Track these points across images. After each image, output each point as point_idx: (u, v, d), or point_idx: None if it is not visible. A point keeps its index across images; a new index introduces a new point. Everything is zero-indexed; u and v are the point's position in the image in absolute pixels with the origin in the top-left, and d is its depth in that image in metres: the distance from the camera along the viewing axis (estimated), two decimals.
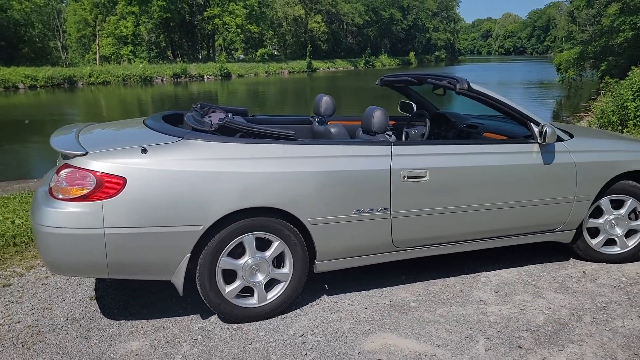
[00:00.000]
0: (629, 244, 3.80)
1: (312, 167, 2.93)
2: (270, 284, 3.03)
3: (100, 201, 2.60)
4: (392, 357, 2.67)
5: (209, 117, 3.70)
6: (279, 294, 3.03)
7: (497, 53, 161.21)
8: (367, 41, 73.44)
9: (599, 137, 4.12)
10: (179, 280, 2.81)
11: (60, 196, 2.63)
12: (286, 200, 2.87)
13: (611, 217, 3.74)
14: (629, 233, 3.81)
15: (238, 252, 2.91)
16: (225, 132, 3.06)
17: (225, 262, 2.87)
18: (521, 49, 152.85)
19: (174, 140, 2.83)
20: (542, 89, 31.14)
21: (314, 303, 3.24)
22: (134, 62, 43.22)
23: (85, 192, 2.61)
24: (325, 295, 3.34)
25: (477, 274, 3.67)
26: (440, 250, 3.39)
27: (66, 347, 2.79)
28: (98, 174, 2.61)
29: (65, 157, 2.75)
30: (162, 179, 2.68)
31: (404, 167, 3.12)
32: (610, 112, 10.56)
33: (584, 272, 3.69)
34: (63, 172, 2.67)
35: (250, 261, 2.92)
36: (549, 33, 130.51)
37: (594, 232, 3.80)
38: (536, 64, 68.84)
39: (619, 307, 3.19)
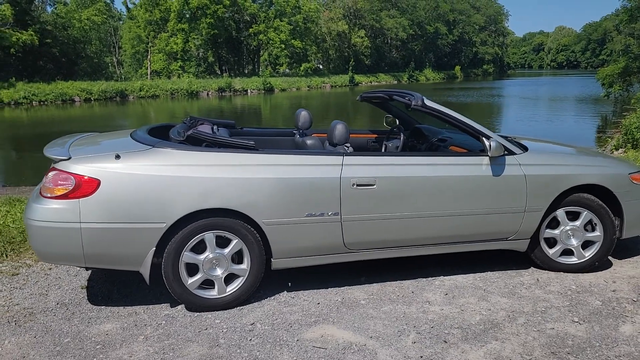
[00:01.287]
0: (586, 255, 3.95)
1: (267, 174, 3.30)
2: (230, 278, 3.40)
3: (77, 199, 3.06)
4: (325, 345, 2.98)
5: (196, 129, 4.14)
6: (237, 287, 3.39)
7: (549, 67, 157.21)
8: (411, 55, 73.46)
9: (555, 151, 4.29)
10: (145, 271, 3.22)
11: (47, 195, 3.10)
12: (242, 203, 3.24)
13: (567, 228, 3.91)
14: (586, 244, 3.97)
15: (200, 248, 3.30)
16: (193, 142, 3.46)
17: (188, 256, 3.26)
18: (575, 63, 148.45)
19: (145, 148, 3.26)
20: (593, 104, 30.27)
21: (273, 297, 3.58)
22: (183, 76, 44.99)
23: (66, 191, 3.06)
24: (285, 292, 3.67)
25: (434, 278, 3.91)
26: (392, 253, 3.66)
27: (51, 326, 3.24)
28: (77, 176, 3.07)
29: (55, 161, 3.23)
30: (131, 181, 3.11)
31: (354, 175, 3.43)
32: (635, 128, 10.43)
33: (537, 279, 3.87)
34: (50, 174, 3.15)
35: (210, 256, 3.30)
36: (604, 46, 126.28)
37: (553, 242, 3.97)
38: (590, 79, 66.89)
39: (557, 311, 3.37)
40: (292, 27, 50.39)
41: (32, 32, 37.18)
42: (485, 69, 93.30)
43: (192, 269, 3.32)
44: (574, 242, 3.93)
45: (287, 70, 57.73)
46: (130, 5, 53.49)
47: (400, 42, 71.04)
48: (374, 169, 3.49)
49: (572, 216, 3.92)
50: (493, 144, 3.61)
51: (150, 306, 3.48)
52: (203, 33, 47.16)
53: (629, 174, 3.98)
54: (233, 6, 48.66)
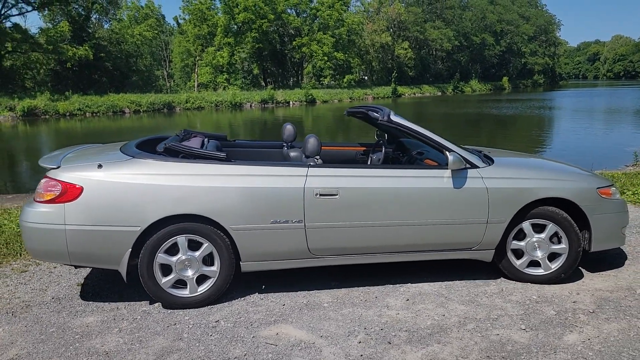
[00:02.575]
0: (552, 267, 4.03)
1: (235, 183, 3.59)
2: (202, 279, 3.70)
3: (63, 204, 3.44)
4: (277, 342, 3.23)
5: (188, 141, 4.50)
6: (208, 288, 3.69)
7: (605, 78, 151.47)
8: (457, 66, 72.70)
9: (522, 165, 4.38)
10: (123, 270, 3.57)
11: (38, 199, 3.51)
12: (211, 210, 3.54)
13: (533, 240, 4.01)
14: (553, 256, 4.05)
15: (174, 250, 3.62)
16: (171, 154, 3.81)
17: (162, 257, 3.58)
18: (633, 73, 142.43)
19: (126, 158, 3.62)
20: None
21: (243, 298, 3.86)
22: (228, 89, 46.31)
23: (53, 196, 3.46)
24: (257, 293, 3.94)
25: (401, 284, 4.08)
26: (356, 260, 3.88)
27: (42, 317, 3.63)
28: (63, 183, 3.46)
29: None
30: (110, 188, 3.47)
31: (317, 186, 3.68)
32: None
33: (502, 289, 3.98)
34: (42, 181, 3.55)
35: (182, 258, 3.61)
36: None
37: (520, 254, 4.08)
38: None
39: (509, 319, 3.49)
40: (335, 39, 50.99)
41: (87, 47, 39.33)
42: (535, 80, 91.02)
43: (166, 270, 3.64)
44: (540, 254, 4.02)
45: (331, 82, 58.36)
46: (180, 21, 55.68)
47: (446, 53, 70.48)
48: (336, 180, 3.73)
49: (539, 228, 4.01)
50: (451, 157, 3.78)
51: (132, 302, 3.82)
52: (248, 47, 48.43)
53: (597, 188, 4.05)
54: (278, 20, 49.77)
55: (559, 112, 32.82)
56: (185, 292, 3.68)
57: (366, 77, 63.14)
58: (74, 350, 3.17)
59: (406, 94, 58.33)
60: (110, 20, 50.42)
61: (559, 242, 4.01)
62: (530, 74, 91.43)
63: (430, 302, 3.77)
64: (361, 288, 4.03)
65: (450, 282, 4.13)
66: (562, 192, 3.94)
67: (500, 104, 41.35)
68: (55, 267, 4.60)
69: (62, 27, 39.79)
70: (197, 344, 3.21)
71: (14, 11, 42.34)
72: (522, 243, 4.03)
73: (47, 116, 33.96)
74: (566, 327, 3.38)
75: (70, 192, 3.45)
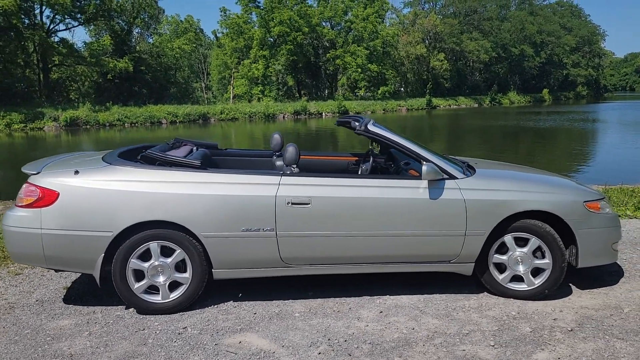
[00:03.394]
0: (536, 282, 3.88)
1: (207, 191, 3.62)
2: (174, 285, 3.74)
3: (40, 208, 3.55)
4: (238, 350, 3.22)
5: (177, 150, 4.58)
6: (180, 294, 3.72)
7: None
8: (494, 78, 71.49)
9: (504, 177, 4.24)
10: (96, 274, 3.64)
11: (19, 204, 3.63)
12: (182, 216, 3.58)
13: (515, 254, 3.87)
14: (537, 271, 3.90)
15: (147, 256, 3.67)
16: (148, 161, 3.87)
17: (134, 263, 3.64)
18: None
19: (103, 165, 3.71)
20: None
21: (216, 305, 3.87)
22: (263, 100, 46.94)
23: (31, 201, 3.57)
24: (231, 301, 3.95)
25: (379, 296, 4.01)
26: (330, 269, 3.83)
27: (22, 319, 3.74)
28: (40, 188, 3.57)
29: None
30: (85, 194, 3.56)
31: (289, 194, 3.67)
32: None
33: (483, 304, 3.86)
34: (23, 186, 3.68)
35: (155, 264, 3.66)
36: None
37: (503, 268, 3.95)
38: None
39: (480, 335, 3.38)
40: (368, 51, 51.02)
41: (127, 60, 40.62)
42: (578, 92, 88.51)
43: (139, 275, 3.69)
44: (522, 269, 3.88)
45: (366, 93, 58.31)
46: (219, 34, 56.94)
47: (483, 65, 69.46)
48: (309, 189, 3.71)
49: (522, 242, 3.88)
50: (425, 167, 3.70)
51: (109, 307, 3.88)
52: (282, 59, 49.02)
53: (584, 201, 3.89)
54: (312, 33, 50.23)
55: (602, 125, 31.62)
56: (157, 298, 3.71)
57: (402, 89, 62.85)
58: (41, 352, 3.25)
59: (441, 106, 57.69)
60: (151, 35, 52.04)
61: (543, 256, 3.87)
62: (573, 86, 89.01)
63: (404, 315, 3.69)
64: (337, 299, 3.98)
65: (429, 296, 4.03)
66: (545, 205, 3.80)
67: (539, 116, 40.28)
68: (47, 271, 4.73)
69: (104, 40, 41.28)
70: (159, 350, 3.24)
71: (62, 26, 43.95)
72: (504, 257, 3.90)
73: (88, 126, 35.20)
74: (538, 345, 3.24)
75: (47, 197, 3.56)
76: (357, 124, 4.08)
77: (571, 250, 3.93)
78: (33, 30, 39.11)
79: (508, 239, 3.86)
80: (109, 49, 41.90)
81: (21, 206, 3.61)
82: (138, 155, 4.18)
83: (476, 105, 63.02)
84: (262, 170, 3.88)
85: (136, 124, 36.77)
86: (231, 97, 50.69)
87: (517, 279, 3.93)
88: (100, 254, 3.58)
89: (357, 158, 5.25)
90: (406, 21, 64.41)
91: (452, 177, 3.84)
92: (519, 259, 3.88)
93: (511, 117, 40.14)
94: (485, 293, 4.06)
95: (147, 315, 3.71)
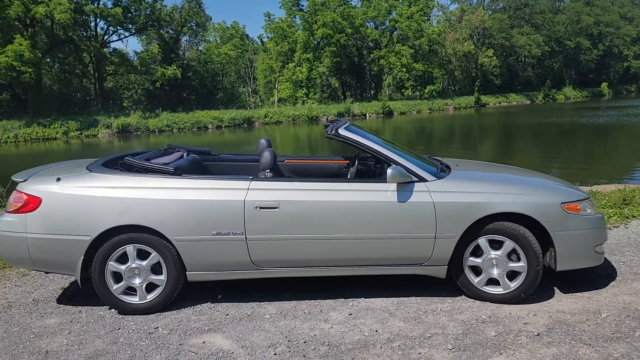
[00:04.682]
0: (512, 285, 3.79)
1: (178, 196, 3.76)
2: (151, 287, 3.89)
3: (25, 214, 3.79)
4: (199, 350, 3.33)
5: (168, 156, 4.76)
6: (156, 296, 3.87)
7: None
8: (548, 73, 68.91)
9: (477, 178, 4.14)
10: (77, 276, 3.84)
11: (8, 210, 3.89)
12: (154, 221, 3.73)
13: (490, 256, 3.79)
14: (514, 274, 3.80)
15: (124, 259, 3.84)
16: (126, 168, 4.05)
17: (112, 265, 3.81)
18: None
19: (84, 173, 3.92)
20: None
21: (192, 307, 3.99)
22: (307, 103, 47.29)
23: (18, 207, 3.82)
24: (209, 302, 4.07)
25: (353, 299, 4.02)
26: (301, 272, 3.88)
27: (15, 317, 4.00)
28: (26, 195, 3.81)
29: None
30: (66, 199, 3.77)
31: (257, 199, 3.75)
32: None
33: (456, 307, 3.80)
34: (13, 193, 3.93)
35: (132, 267, 3.82)
36: None
37: (479, 271, 3.87)
38: None
39: (442, 338, 3.33)
40: (413, 50, 50.41)
41: (175, 67, 41.96)
42: None
43: (118, 277, 3.86)
44: (496, 272, 3.80)
45: (414, 93, 57.59)
46: (264, 39, 57.89)
47: (536, 60, 67.09)
48: (277, 193, 3.77)
49: (498, 245, 3.80)
50: (390, 171, 3.69)
51: (95, 307, 4.08)
52: (326, 61, 49.22)
53: (562, 203, 3.75)
54: (356, 34, 50.16)
55: None
56: (135, 299, 3.88)
57: (452, 87, 61.67)
58: (22, 349, 3.47)
59: (490, 104, 56.13)
60: (199, 42, 53.54)
61: (518, 259, 3.76)
62: (635, 79, 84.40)
63: (372, 318, 3.68)
64: (312, 301, 4.02)
65: (404, 298, 4.00)
66: (518, 207, 3.70)
67: (597, 112, 38.43)
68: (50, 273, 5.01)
69: (153, 49, 42.83)
70: (126, 348, 3.39)
71: (114, 37, 46.00)
72: (479, 260, 3.83)
73: (138, 132, 36.60)
74: (498, 349, 3.17)
75: (31, 203, 3.79)
76: (328, 128, 4.11)
77: (550, 253, 3.81)
78: (88, 42, 41.12)
79: (482, 241, 3.79)
80: (158, 58, 43.41)
81: (10, 212, 3.86)
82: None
83: (528, 102, 60.91)
84: (233, 176, 3.98)
85: (183, 130, 37.88)
86: (275, 100, 51.35)
87: (493, 282, 3.85)
88: (80, 256, 3.78)
89: (348, 161, 5.27)
90: (453, 18, 63.17)
91: (421, 179, 3.81)
92: (494, 262, 3.80)
93: (568, 114, 38.51)
94: (463, 296, 3.99)
95: (127, 316, 3.88)
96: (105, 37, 44.93)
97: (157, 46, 42.56)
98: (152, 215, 3.73)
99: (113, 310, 3.99)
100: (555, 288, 4.06)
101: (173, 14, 47.39)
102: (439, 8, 64.70)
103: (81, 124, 35.59)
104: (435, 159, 4.72)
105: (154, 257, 3.82)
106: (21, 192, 3.85)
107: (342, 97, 53.25)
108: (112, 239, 3.77)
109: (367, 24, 52.83)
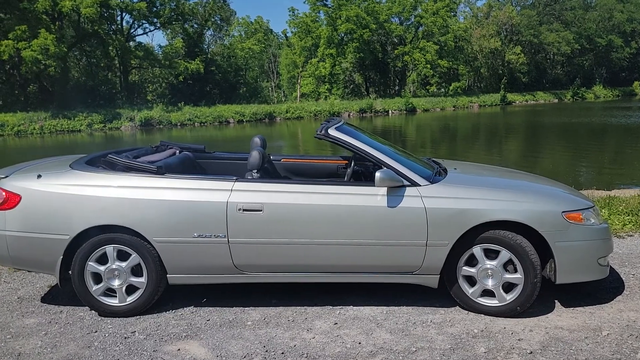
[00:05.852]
0: (507, 298, 3.56)
1: (159, 196, 3.63)
2: (132, 289, 3.77)
3: (4, 211, 3.70)
4: (172, 358, 3.19)
5: (160, 153, 4.65)
6: (136, 298, 3.75)
7: None
8: (578, 71, 67.22)
9: (474, 183, 3.91)
10: (56, 275, 3.74)
11: None
12: (133, 221, 3.60)
13: (485, 266, 3.57)
14: (510, 286, 3.57)
15: (104, 259, 3.72)
16: (109, 165, 3.93)
17: (91, 266, 3.70)
18: None
19: (65, 170, 3.81)
20: None
21: (174, 311, 3.86)
22: (329, 98, 47.07)
23: None
24: (192, 306, 3.93)
25: (341, 307, 3.84)
26: (285, 278, 3.72)
27: None
28: (5, 191, 3.72)
29: None
30: (45, 197, 3.67)
31: (241, 200, 3.59)
32: None
33: (448, 320, 3.59)
34: None
35: (111, 268, 3.71)
36: None
37: (474, 282, 3.65)
38: None
39: (428, 354, 3.14)
40: (438, 47, 49.68)
41: (198, 62, 42.17)
42: None
43: (98, 278, 3.75)
44: (491, 283, 3.57)
45: (439, 89, 56.81)
46: (288, 34, 57.78)
47: (565, 58, 65.50)
48: (261, 195, 3.61)
49: (494, 254, 3.57)
50: (378, 174, 3.49)
51: (77, 308, 3.97)
52: (348, 57, 48.88)
53: (563, 211, 3.50)
54: (380, 29, 49.66)
55: None
56: (115, 301, 3.76)
57: (478, 85, 60.61)
58: None
59: (517, 102, 55.07)
60: (223, 36, 53.72)
61: (515, 270, 3.53)
62: None
63: (357, 328, 3.50)
64: (298, 308, 3.85)
65: (395, 308, 3.80)
66: (515, 215, 3.46)
67: (629, 112, 37.24)
68: None
69: (177, 43, 43.11)
70: (99, 353, 3.28)
71: (140, 31, 46.48)
72: (474, 270, 3.61)
73: (161, 126, 36.91)
74: None
75: (11, 200, 3.70)
76: (319, 128, 3.92)
77: (550, 265, 3.57)
78: (114, 36, 41.60)
79: (477, 250, 3.57)
80: (182, 52, 43.69)
81: None
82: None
83: (556, 100, 59.56)
84: (217, 176, 3.82)
85: (205, 124, 38.08)
86: (298, 95, 51.24)
87: (488, 293, 3.62)
88: (59, 256, 3.68)
89: (347, 162, 5.07)
90: (480, 14, 62.05)
91: (413, 183, 3.59)
92: (489, 272, 3.57)
93: (598, 113, 37.43)
94: (457, 307, 3.77)
95: (107, 318, 3.77)
96: (131, 31, 45.40)
97: (180, 40, 42.84)
98: (132, 216, 3.61)
99: (93, 312, 3.88)
100: (555, 301, 3.81)
101: (197, 8, 47.61)
102: (465, 4, 63.68)
103: (105, 116, 36.04)
104: (434, 161, 4.50)
105: (134, 258, 3.70)
106: (1, 189, 3.77)
107: (365, 93, 52.86)
108: (91, 239, 3.66)
109: (392, 19, 52.24)
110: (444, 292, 3.84)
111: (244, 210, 3.58)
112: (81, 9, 37.07)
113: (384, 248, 3.57)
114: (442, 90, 55.76)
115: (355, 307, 3.83)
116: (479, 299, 3.63)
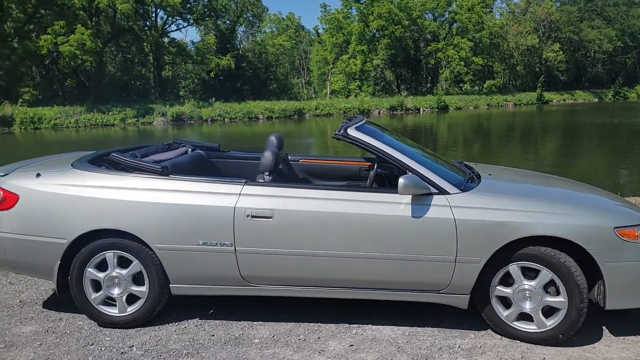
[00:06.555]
0: (548, 324, 3.13)
1: (162, 199, 3.33)
2: (133, 299, 3.49)
3: (1, 211, 3.47)
4: None
5: (172, 151, 4.37)
6: (137, 309, 3.47)
7: None
8: (620, 69, 64.72)
9: (511, 191, 3.48)
10: (54, 281, 3.49)
11: None
12: (134, 226, 3.32)
13: (522, 287, 3.15)
14: (551, 310, 3.14)
15: (104, 266, 3.45)
16: (112, 165, 3.66)
17: (90, 272, 3.44)
18: None
19: (65, 168, 3.56)
20: None
21: (177, 323, 3.56)
22: (360, 95, 46.51)
23: None
24: (197, 319, 3.63)
25: (359, 325, 3.48)
26: (296, 292, 3.38)
27: None
28: (4, 191, 3.49)
29: None
30: (43, 198, 3.42)
31: (250, 206, 3.27)
32: None
33: (478, 345, 3.19)
34: None
35: (111, 275, 3.43)
36: None
37: (510, 303, 3.24)
38: None
39: None
40: (473, 43, 48.50)
41: (229, 58, 42.22)
42: None
43: (98, 285, 3.49)
44: (529, 306, 3.15)
45: (473, 87, 55.51)
46: (320, 30, 57.39)
47: (607, 56, 63.13)
48: (272, 201, 3.28)
49: (533, 273, 3.15)
50: (402, 180, 3.10)
51: (77, 315, 3.72)
52: (380, 54, 48.21)
53: (616, 227, 3.05)
54: (413, 25, 48.79)
55: None
56: (114, 311, 3.49)
57: (514, 83, 58.98)
58: None
59: (554, 101, 53.34)
60: (254, 32, 53.73)
61: (557, 293, 3.10)
62: None
63: (375, 352, 3.13)
64: (311, 325, 3.51)
65: (419, 329, 3.42)
66: (560, 230, 3.04)
67: None
68: None
69: (209, 40, 43.26)
70: None
71: (173, 27, 46.85)
72: (509, 290, 3.19)
73: (191, 121, 37.06)
74: None
75: (8, 200, 3.47)
76: (338, 127, 3.55)
77: (598, 288, 3.13)
78: (148, 32, 42.01)
79: (513, 268, 3.15)
80: (213, 48, 43.83)
81: None
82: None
83: (596, 99, 57.47)
84: (224, 178, 3.50)
85: (235, 119, 38.06)
86: (328, 92, 50.83)
87: (526, 317, 3.20)
88: (56, 261, 3.43)
89: (370, 163, 4.70)
90: (517, 10, 60.31)
91: (442, 191, 3.20)
92: (527, 293, 3.15)
93: (638, 114, 35.80)
94: (489, 331, 3.36)
95: (105, 328, 3.50)
96: (165, 27, 45.77)
97: (213, 37, 42.94)
98: (133, 220, 3.32)
99: (92, 322, 3.62)
100: (603, 328, 3.37)
101: (230, 4, 47.68)
102: (502, 0, 62.02)
103: (138, 111, 36.39)
104: (466, 165, 4.08)
105: (135, 265, 3.41)
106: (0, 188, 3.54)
107: (397, 90, 52.05)
108: (91, 244, 3.40)
109: (425, 15, 51.24)
110: (474, 313, 3.44)
111: (252, 216, 3.26)
112: (117, 5, 37.50)
113: (406, 263, 3.19)
114: (476, 88, 54.41)
115: (374, 327, 3.46)
116: (515, 323, 3.21)
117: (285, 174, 4.30)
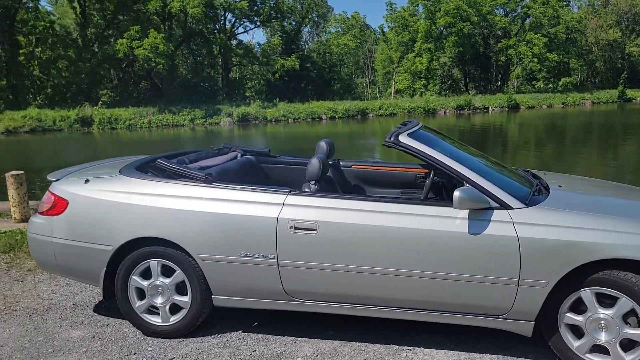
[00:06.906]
0: (627, 359, 2.74)
1: (205, 208, 3.22)
2: (176, 308, 3.41)
3: (52, 216, 3.50)
4: None
5: (222, 156, 4.30)
6: (180, 319, 3.39)
7: None
8: None
9: (584, 206, 3.06)
10: (100, 288, 3.48)
11: (39, 211, 3.64)
12: (177, 235, 3.23)
13: (597, 315, 2.78)
14: (632, 344, 2.75)
15: (148, 274, 3.40)
16: (158, 171, 3.60)
17: (135, 280, 3.40)
18: None
19: (113, 174, 3.54)
20: None
21: (220, 335, 3.45)
22: (425, 94, 45.53)
23: (47, 208, 3.54)
24: (240, 331, 3.50)
25: (409, 347, 3.22)
26: (342, 309, 3.17)
27: (46, 324, 3.74)
28: (55, 196, 3.52)
29: None
30: (92, 204, 3.41)
31: (293, 217, 3.10)
32: None
33: None
34: (46, 193, 3.67)
35: (155, 284, 3.37)
36: None
37: (581, 333, 2.87)
38: None
39: None
40: (547, 39, 46.19)
41: (294, 58, 42.61)
42: None
43: (142, 293, 3.44)
44: (604, 337, 2.77)
45: (547, 85, 52.95)
46: (385, 29, 56.76)
47: None
48: (317, 212, 3.09)
49: (610, 300, 2.78)
50: (457, 193, 2.81)
51: (125, 322, 3.69)
52: (447, 52, 46.95)
53: None
54: (483, 21, 47.15)
55: None
56: (157, 320, 3.43)
57: (592, 81, 55.72)
58: None
59: (638, 99, 49.85)
60: (319, 33, 53.92)
61: (639, 324, 2.71)
62: None
63: None
64: (358, 344, 3.29)
65: (476, 355, 3.12)
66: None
67: None
68: None
69: (275, 41, 43.85)
70: None
71: (241, 29, 47.92)
72: (581, 318, 2.83)
73: (256, 122, 37.72)
74: None
75: (59, 206, 3.49)
76: (389, 133, 3.30)
77: None
78: (217, 34, 43.19)
79: (586, 294, 2.79)
80: (279, 49, 44.37)
81: (40, 213, 3.61)
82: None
83: None
84: (268, 187, 3.34)
85: (298, 120, 38.33)
86: (392, 92, 50.13)
87: (600, 349, 2.83)
88: (102, 267, 3.41)
89: (427, 170, 4.40)
90: (597, 2, 56.86)
91: (504, 205, 2.88)
92: (602, 323, 2.78)
93: None
94: None
95: (148, 338, 3.45)
96: (233, 30, 46.88)
97: (278, 38, 43.49)
98: (175, 228, 3.24)
99: (139, 330, 3.58)
100: None
101: (296, 5, 48.11)
102: None
103: (206, 112, 37.51)
104: (533, 175, 3.72)
105: (179, 275, 3.33)
106: (51, 193, 3.57)
107: (464, 89, 50.55)
108: (136, 251, 3.35)
109: (496, 10, 49.34)
110: (538, 340, 3.09)
111: (295, 228, 3.08)
112: (188, 9, 38.81)
113: (461, 283, 2.90)
114: (550, 85, 51.84)
115: (426, 350, 3.19)
116: (587, 355, 2.85)
117: (335, 182, 4.10)
